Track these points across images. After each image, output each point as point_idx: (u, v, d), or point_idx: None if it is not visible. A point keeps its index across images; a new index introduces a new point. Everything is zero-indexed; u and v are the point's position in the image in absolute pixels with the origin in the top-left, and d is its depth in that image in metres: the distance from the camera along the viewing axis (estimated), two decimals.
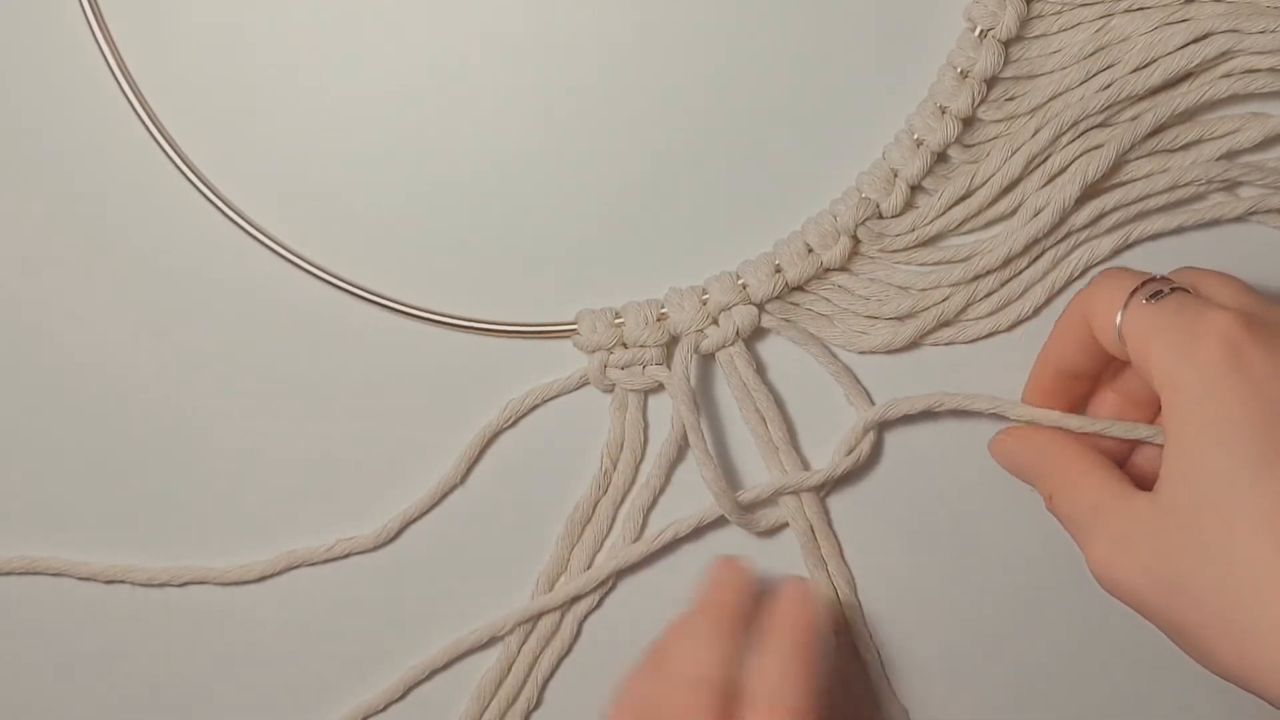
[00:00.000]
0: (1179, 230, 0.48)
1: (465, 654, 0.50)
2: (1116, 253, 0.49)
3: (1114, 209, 0.48)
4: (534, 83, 0.49)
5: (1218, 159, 0.48)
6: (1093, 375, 0.46)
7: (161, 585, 0.50)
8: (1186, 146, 0.48)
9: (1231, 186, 0.48)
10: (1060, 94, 0.47)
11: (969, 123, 0.48)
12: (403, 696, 0.51)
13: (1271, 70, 0.47)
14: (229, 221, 0.49)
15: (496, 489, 0.50)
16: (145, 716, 0.51)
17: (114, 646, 0.51)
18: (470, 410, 0.50)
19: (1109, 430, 0.45)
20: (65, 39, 0.49)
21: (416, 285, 0.50)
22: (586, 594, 0.50)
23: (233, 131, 0.49)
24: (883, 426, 0.49)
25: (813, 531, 0.50)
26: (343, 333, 0.50)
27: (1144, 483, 0.43)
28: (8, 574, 0.51)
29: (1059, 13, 0.48)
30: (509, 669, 0.50)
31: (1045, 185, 0.48)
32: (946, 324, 0.49)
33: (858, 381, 0.49)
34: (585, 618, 0.50)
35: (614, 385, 0.49)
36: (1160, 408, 0.42)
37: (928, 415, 0.49)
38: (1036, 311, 0.49)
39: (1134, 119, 0.47)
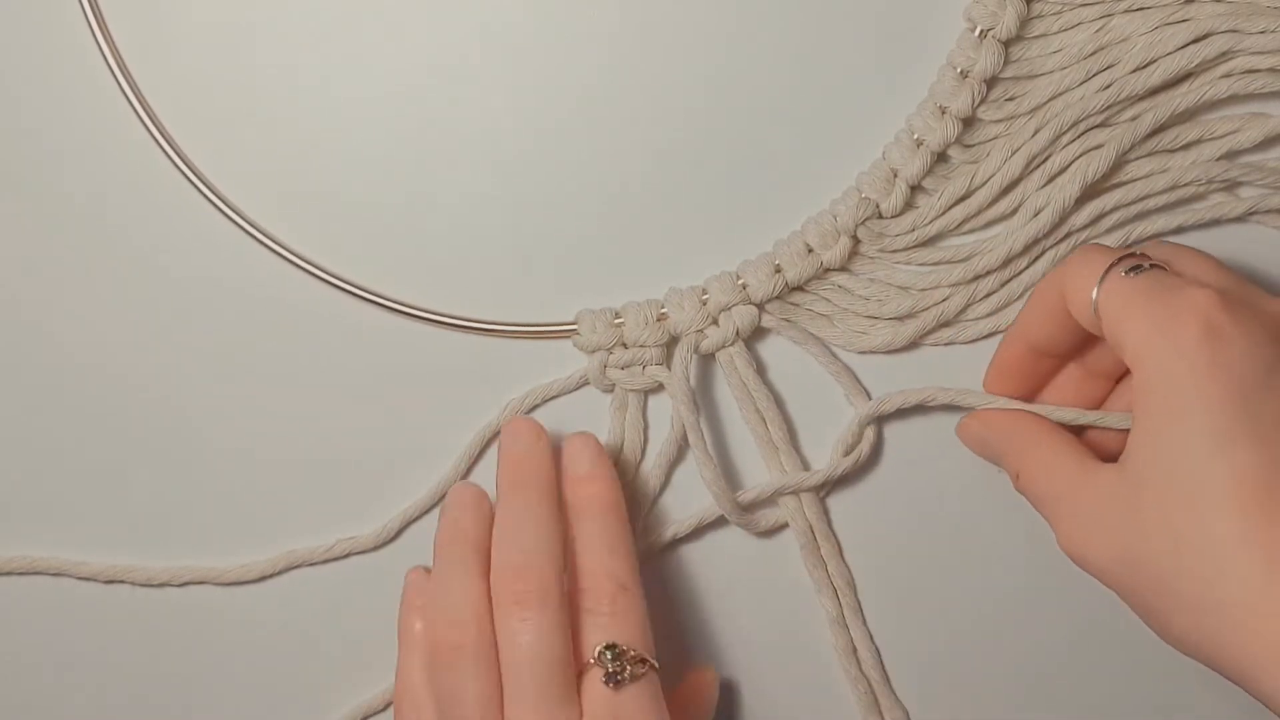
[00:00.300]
0: (1179, 230, 0.48)
1: None
2: None
3: (1114, 209, 0.48)
4: (534, 83, 0.49)
5: (1218, 159, 0.48)
6: (1061, 354, 0.46)
7: (161, 585, 0.50)
8: (1186, 146, 0.48)
9: (1231, 186, 0.48)
10: (1060, 94, 0.47)
11: (969, 123, 0.48)
12: None
13: (1271, 70, 0.47)
14: (229, 221, 0.49)
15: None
16: (145, 716, 0.51)
17: (114, 646, 0.51)
18: (470, 410, 0.50)
19: (1081, 420, 0.45)
20: (65, 39, 0.49)
21: (416, 285, 0.50)
22: None
23: (233, 131, 0.49)
24: (882, 427, 0.49)
25: (812, 532, 0.50)
26: (343, 333, 0.50)
27: (1107, 455, 0.43)
28: (8, 574, 0.51)
29: (1059, 13, 0.48)
30: None
31: (1045, 185, 0.48)
32: (946, 324, 0.49)
33: (858, 381, 0.49)
34: None
35: (614, 385, 0.49)
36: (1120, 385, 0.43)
37: (927, 416, 0.49)
38: None
39: (1134, 119, 0.47)
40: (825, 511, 0.50)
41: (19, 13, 0.49)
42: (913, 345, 0.49)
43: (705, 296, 0.49)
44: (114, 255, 0.50)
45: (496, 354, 0.50)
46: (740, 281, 0.49)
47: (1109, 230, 0.48)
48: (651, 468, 0.50)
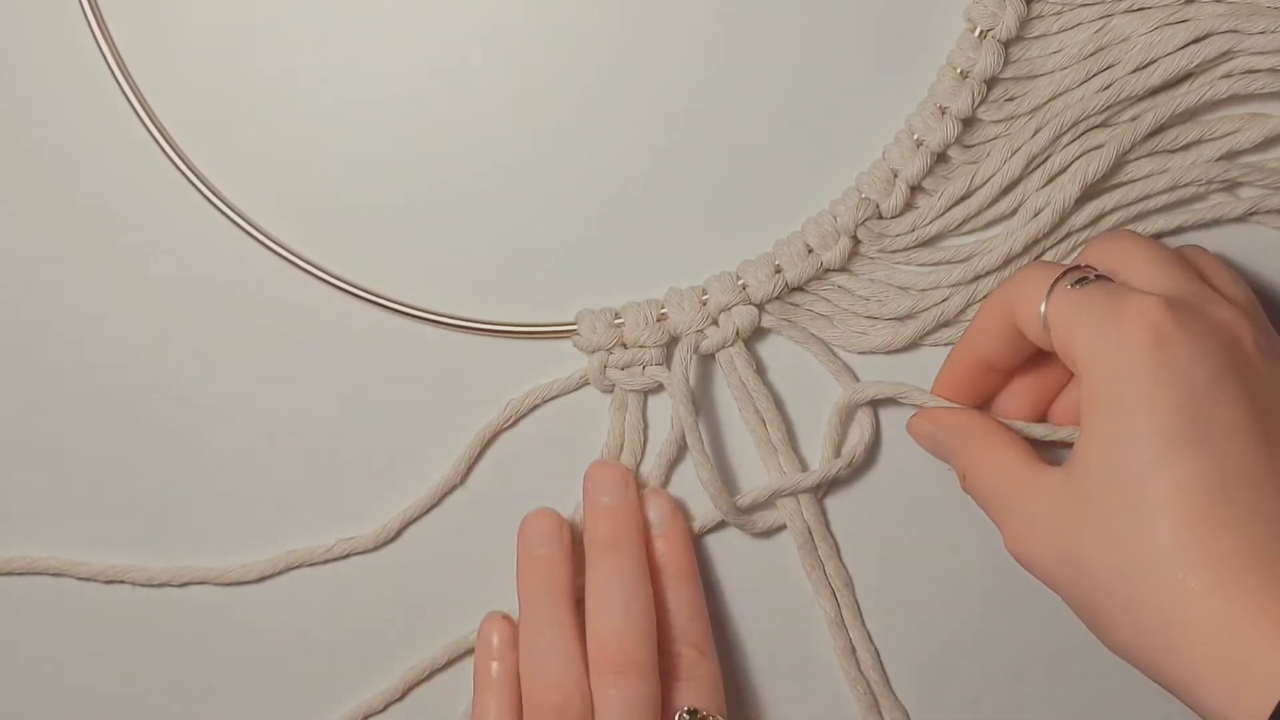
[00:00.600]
0: (1179, 230, 0.48)
1: (465, 654, 0.50)
2: None
3: (1114, 209, 0.48)
4: (534, 83, 0.49)
5: (1217, 159, 0.48)
6: (1009, 369, 0.46)
7: (161, 585, 0.50)
8: (1187, 147, 0.48)
9: (1231, 187, 0.48)
10: (1060, 94, 0.47)
11: (969, 123, 0.48)
12: (403, 696, 0.51)
13: (1272, 70, 0.46)
14: (229, 221, 0.49)
15: (496, 489, 0.50)
16: (145, 716, 0.51)
17: (114, 646, 0.51)
18: (470, 410, 0.50)
19: (1030, 432, 0.45)
20: (65, 39, 0.49)
21: (416, 285, 0.50)
22: None
23: (233, 131, 0.49)
24: (880, 428, 0.49)
25: (810, 533, 0.49)
26: (343, 333, 0.50)
27: (1056, 460, 0.43)
28: (8, 574, 0.51)
29: (1059, 13, 0.48)
30: None
31: (1045, 185, 0.48)
32: (946, 324, 0.49)
33: (858, 381, 0.49)
34: None
35: (614, 385, 0.49)
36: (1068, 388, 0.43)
37: None
38: None
39: (1134, 119, 0.47)
40: (823, 512, 0.50)
41: (19, 13, 0.49)
42: (913, 345, 0.49)
43: (705, 297, 0.49)
44: (114, 255, 0.50)
45: (496, 354, 0.50)
46: (740, 282, 0.49)
47: (1109, 230, 0.48)
48: (651, 468, 0.50)
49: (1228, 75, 0.47)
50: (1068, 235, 0.48)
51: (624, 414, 0.49)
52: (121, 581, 0.51)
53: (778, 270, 0.49)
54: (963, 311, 0.49)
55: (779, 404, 0.50)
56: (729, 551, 0.50)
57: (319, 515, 0.50)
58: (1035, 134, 0.47)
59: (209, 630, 0.51)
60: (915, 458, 0.50)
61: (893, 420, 0.49)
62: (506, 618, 0.49)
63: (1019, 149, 0.48)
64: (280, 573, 0.50)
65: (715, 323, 0.49)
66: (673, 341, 0.49)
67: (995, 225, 0.49)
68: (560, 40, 0.49)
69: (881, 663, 0.50)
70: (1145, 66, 0.47)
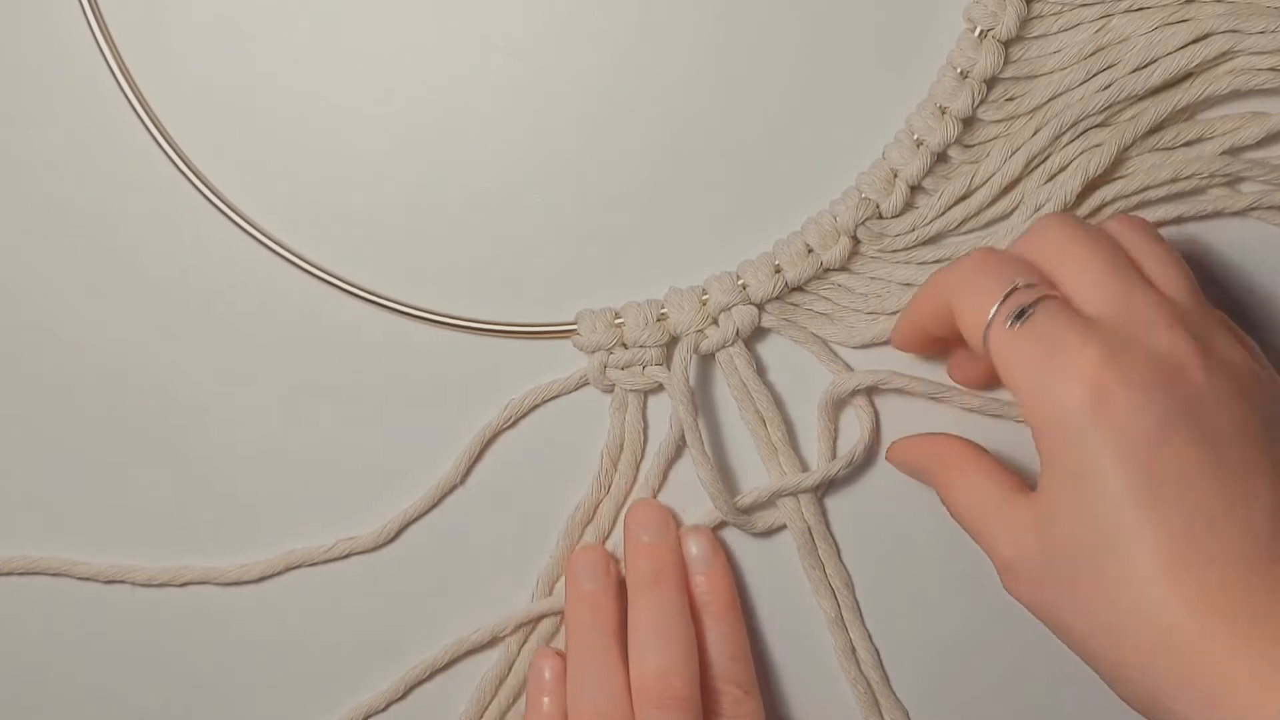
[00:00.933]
0: (1179, 221, 0.48)
1: (466, 654, 0.50)
2: None
3: (1114, 199, 0.48)
4: (534, 83, 0.49)
5: (1219, 155, 0.48)
6: (958, 337, 0.44)
7: (161, 585, 0.50)
8: (1187, 144, 0.48)
9: (1233, 181, 0.48)
10: (1060, 94, 0.47)
11: (969, 123, 0.48)
12: (403, 696, 0.51)
13: (1272, 70, 0.46)
14: (229, 222, 0.49)
15: (496, 489, 0.50)
16: (145, 716, 0.51)
17: (114, 646, 0.51)
18: (470, 410, 0.50)
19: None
20: (65, 39, 0.49)
21: (416, 285, 0.50)
22: None
23: (233, 132, 0.49)
24: (880, 428, 0.49)
25: (810, 533, 0.49)
26: (343, 332, 0.50)
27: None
28: (8, 574, 0.51)
29: (1059, 13, 0.48)
30: (509, 669, 0.50)
31: (1045, 184, 0.48)
32: None
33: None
34: None
35: (614, 385, 0.49)
36: None
37: (926, 417, 0.49)
38: None
39: (1134, 119, 0.47)
40: (823, 512, 0.50)
41: (19, 13, 0.49)
42: None
43: (705, 297, 0.49)
44: (114, 256, 0.50)
45: (496, 354, 0.50)
46: (740, 281, 0.49)
47: None
48: (651, 468, 0.50)
49: (1228, 74, 0.47)
50: None
51: (624, 414, 0.49)
52: (121, 581, 0.51)
53: (778, 270, 0.49)
54: None
55: (779, 404, 0.50)
56: (729, 551, 0.50)
57: (319, 515, 0.50)
58: (1035, 134, 0.47)
59: (209, 630, 0.51)
60: None
61: (892, 421, 0.49)
62: (558, 653, 0.49)
63: (1019, 149, 0.48)
64: (280, 573, 0.50)
65: (715, 322, 0.49)
66: (673, 341, 0.49)
67: (995, 224, 0.49)
68: (560, 40, 0.49)
69: (882, 663, 0.50)
70: (1145, 66, 0.47)
